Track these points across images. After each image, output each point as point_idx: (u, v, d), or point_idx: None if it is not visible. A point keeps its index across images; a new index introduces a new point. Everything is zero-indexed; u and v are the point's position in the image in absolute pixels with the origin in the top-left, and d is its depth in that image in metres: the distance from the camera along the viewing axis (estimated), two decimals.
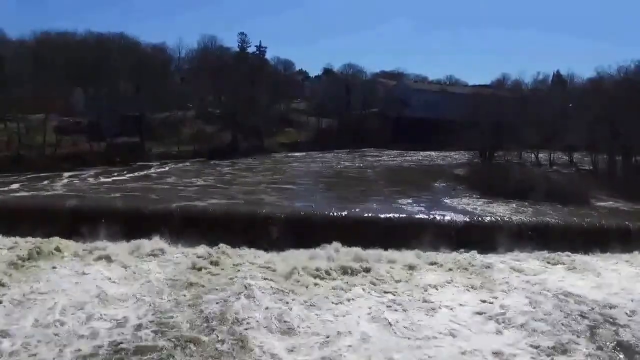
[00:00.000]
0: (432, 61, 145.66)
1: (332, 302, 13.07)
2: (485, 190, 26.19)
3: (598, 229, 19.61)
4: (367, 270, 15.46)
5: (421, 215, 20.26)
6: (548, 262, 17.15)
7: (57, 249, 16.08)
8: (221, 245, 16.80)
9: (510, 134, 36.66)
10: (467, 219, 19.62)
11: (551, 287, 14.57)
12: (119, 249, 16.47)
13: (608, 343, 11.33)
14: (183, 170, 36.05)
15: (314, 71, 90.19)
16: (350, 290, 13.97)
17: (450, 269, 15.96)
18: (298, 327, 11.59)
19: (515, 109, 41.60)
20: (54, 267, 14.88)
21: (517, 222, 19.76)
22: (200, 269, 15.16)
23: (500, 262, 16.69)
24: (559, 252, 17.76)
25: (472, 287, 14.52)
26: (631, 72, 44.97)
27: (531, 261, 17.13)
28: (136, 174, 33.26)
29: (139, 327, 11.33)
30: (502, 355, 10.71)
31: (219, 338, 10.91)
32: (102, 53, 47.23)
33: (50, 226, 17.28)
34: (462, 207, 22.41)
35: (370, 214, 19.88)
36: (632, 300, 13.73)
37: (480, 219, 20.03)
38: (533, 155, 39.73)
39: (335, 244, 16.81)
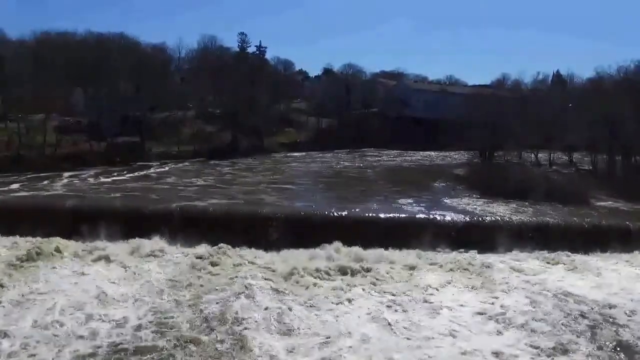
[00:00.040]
0: (432, 61, 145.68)
1: (332, 303, 13.06)
2: (485, 190, 26.19)
3: (598, 228, 19.63)
4: (367, 270, 15.46)
5: (421, 215, 20.26)
6: (548, 262, 17.15)
7: (57, 249, 16.06)
8: (221, 245, 16.81)
9: (510, 134, 36.62)
10: (467, 219, 19.63)
11: (551, 287, 14.57)
12: (119, 249, 16.48)
13: (608, 343, 11.32)
14: (183, 170, 36.05)
15: (314, 71, 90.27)
16: (350, 290, 13.96)
17: (450, 269, 15.95)
18: (298, 327, 11.58)
19: (515, 109, 41.55)
20: (53, 268, 14.87)
21: (517, 222, 19.77)
22: (200, 269, 15.17)
23: (500, 262, 16.69)
24: (559, 252, 17.77)
25: (472, 287, 14.53)
26: (631, 72, 45.11)
27: (531, 261, 17.14)
28: (136, 173, 33.26)
29: (138, 327, 11.33)
30: (502, 355, 10.70)
31: (219, 338, 10.91)
32: (102, 53, 47.14)
33: (50, 226, 17.28)
34: (462, 207, 22.41)
35: (370, 214, 19.89)
36: (632, 300, 13.73)
37: (480, 219, 20.03)
38: (533, 155, 39.71)
39: (335, 244, 16.81)
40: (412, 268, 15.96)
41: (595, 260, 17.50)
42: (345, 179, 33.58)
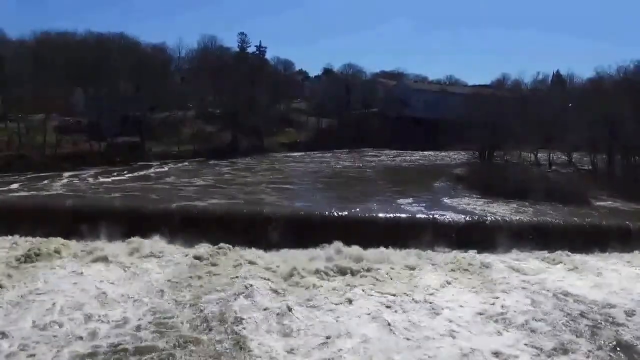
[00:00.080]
0: (432, 61, 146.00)
1: (332, 303, 13.05)
2: (485, 190, 26.18)
3: (598, 228, 19.62)
4: (367, 270, 15.47)
5: (421, 215, 20.25)
6: (548, 262, 17.16)
7: (57, 250, 16.07)
8: (221, 245, 16.83)
9: (510, 134, 36.60)
10: (467, 219, 19.62)
11: (551, 287, 14.57)
12: (119, 249, 16.47)
13: (608, 343, 11.33)
14: (183, 170, 36.05)
15: (314, 71, 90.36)
16: (350, 290, 13.95)
17: (450, 269, 15.95)
18: (297, 328, 11.57)
19: (514, 109, 41.55)
20: (52, 268, 14.86)
21: (517, 222, 19.77)
22: (199, 269, 15.17)
23: (500, 262, 16.69)
24: (559, 252, 17.76)
25: (472, 288, 14.52)
26: (630, 72, 45.12)
27: (531, 261, 17.13)
28: (136, 173, 33.25)
29: (138, 327, 11.32)
30: (502, 355, 10.70)
31: (218, 338, 10.91)
32: (102, 53, 47.13)
33: (50, 226, 17.29)
34: (461, 207, 22.40)
35: (370, 214, 19.87)
36: (632, 300, 13.73)
37: (480, 219, 20.01)
38: (532, 155, 39.71)
39: (335, 244, 16.80)
40: (412, 268, 15.96)
41: (595, 260, 17.48)
42: (345, 178, 33.58)
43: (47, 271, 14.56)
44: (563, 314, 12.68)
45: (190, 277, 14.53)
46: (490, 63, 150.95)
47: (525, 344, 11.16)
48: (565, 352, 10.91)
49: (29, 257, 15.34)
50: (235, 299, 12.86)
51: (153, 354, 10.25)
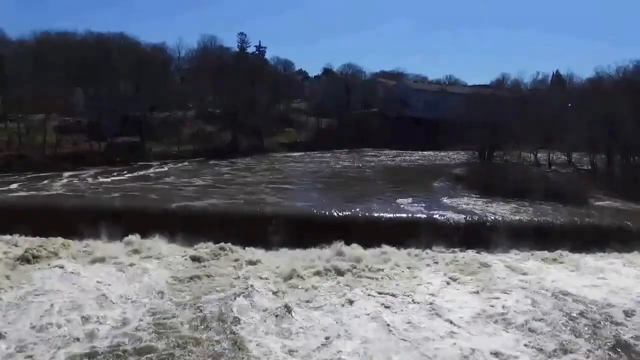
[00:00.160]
0: (432, 61, 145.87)
1: (332, 303, 13.06)
2: (485, 190, 26.15)
3: (598, 228, 19.61)
4: (367, 270, 15.47)
5: (421, 215, 20.25)
6: (548, 262, 17.15)
7: (56, 250, 16.09)
8: (221, 245, 16.83)
9: (509, 134, 36.59)
10: (467, 219, 19.62)
11: (551, 286, 14.57)
12: (118, 249, 16.48)
13: (607, 342, 11.34)
14: (183, 170, 36.05)
15: (314, 71, 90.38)
16: (350, 291, 13.96)
17: (450, 270, 15.92)
18: (297, 329, 11.57)
19: (514, 109, 41.54)
20: (52, 268, 14.88)
21: (517, 221, 19.78)
22: (199, 270, 15.17)
23: (500, 262, 16.69)
24: (558, 252, 17.76)
25: (472, 288, 14.50)
26: (630, 72, 45.15)
27: (531, 261, 17.13)
28: (136, 173, 33.25)
29: (138, 327, 11.33)
30: (502, 355, 10.70)
31: (217, 338, 10.92)
32: (102, 53, 47.12)
33: (50, 226, 17.29)
34: (461, 207, 22.40)
35: (370, 214, 19.86)
36: (631, 300, 13.73)
37: (479, 218, 20.01)
38: (532, 155, 39.71)
39: (335, 244, 16.81)
40: (412, 268, 15.97)
41: (594, 260, 17.48)
42: (344, 178, 33.57)
43: (47, 271, 14.59)
44: (563, 314, 12.69)
45: (190, 277, 14.54)
46: (490, 63, 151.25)
47: (525, 345, 11.17)
48: (565, 351, 10.93)
49: (29, 257, 15.35)
50: (234, 299, 12.87)
51: (152, 354, 10.26)
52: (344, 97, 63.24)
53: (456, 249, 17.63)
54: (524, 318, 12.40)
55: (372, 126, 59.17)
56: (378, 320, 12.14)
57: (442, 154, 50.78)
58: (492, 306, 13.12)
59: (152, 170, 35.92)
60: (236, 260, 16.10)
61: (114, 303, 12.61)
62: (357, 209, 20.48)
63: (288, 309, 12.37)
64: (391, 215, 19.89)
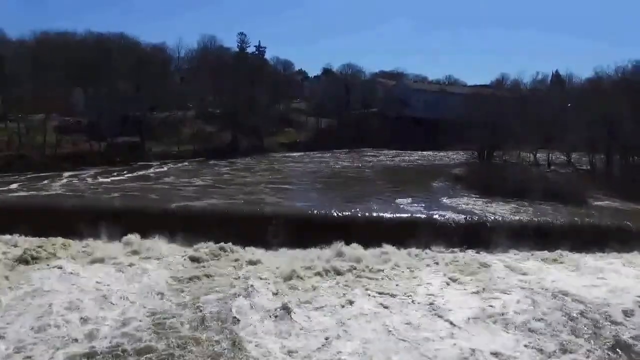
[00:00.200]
0: (431, 61, 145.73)
1: (332, 304, 13.05)
2: (484, 190, 26.16)
3: (597, 228, 19.62)
4: (367, 270, 15.48)
5: (420, 215, 20.26)
6: (547, 262, 17.15)
7: (55, 250, 16.09)
8: (221, 245, 16.83)
9: (509, 134, 36.60)
10: (467, 219, 19.63)
11: (550, 286, 14.56)
12: (118, 249, 16.48)
13: (607, 342, 11.35)
14: (182, 170, 36.05)
15: (314, 71, 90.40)
16: (350, 291, 13.96)
17: (450, 270, 15.93)
18: (297, 329, 11.57)
19: (514, 109, 41.53)
20: (51, 268, 14.86)
21: (517, 221, 19.79)
22: (199, 270, 15.17)
23: (500, 262, 16.69)
24: (558, 252, 17.77)
25: (471, 288, 14.50)
26: (629, 72, 45.20)
27: (530, 261, 17.13)
28: (136, 173, 33.25)
29: (137, 328, 11.32)
30: (502, 356, 10.71)
31: (217, 339, 10.92)
32: (102, 53, 47.07)
33: (49, 226, 17.29)
34: (461, 207, 22.41)
35: (369, 214, 19.87)
36: (631, 300, 13.71)
37: (479, 218, 20.02)
38: (531, 155, 39.73)
39: (335, 244, 16.82)
40: (412, 268, 15.97)
41: (594, 260, 17.48)
42: (344, 179, 33.57)
43: (45, 272, 14.57)
44: (562, 314, 12.69)
45: (190, 277, 14.54)
46: (490, 63, 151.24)
47: (525, 345, 11.17)
48: (565, 351, 10.94)
49: (28, 257, 15.35)
50: (234, 299, 12.86)
51: (152, 354, 10.26)
52: (343, 97, 63.23)
53: (456, 249, 17.65)
54: (524, 318, 12.41)
55: (372, 126, 59.15)
56: (378, 321, 12.14)
57: (442, 154, 50.77)
58: (492, 306, 13.13)
59: (152, 170, 35.92)
60: (236, 260, 16.11)
61: (113, 303, 12.61)
62: (357, 209, 20.48)
63: (288, 309, 12.36)
64: (391, 215, 19.89)
